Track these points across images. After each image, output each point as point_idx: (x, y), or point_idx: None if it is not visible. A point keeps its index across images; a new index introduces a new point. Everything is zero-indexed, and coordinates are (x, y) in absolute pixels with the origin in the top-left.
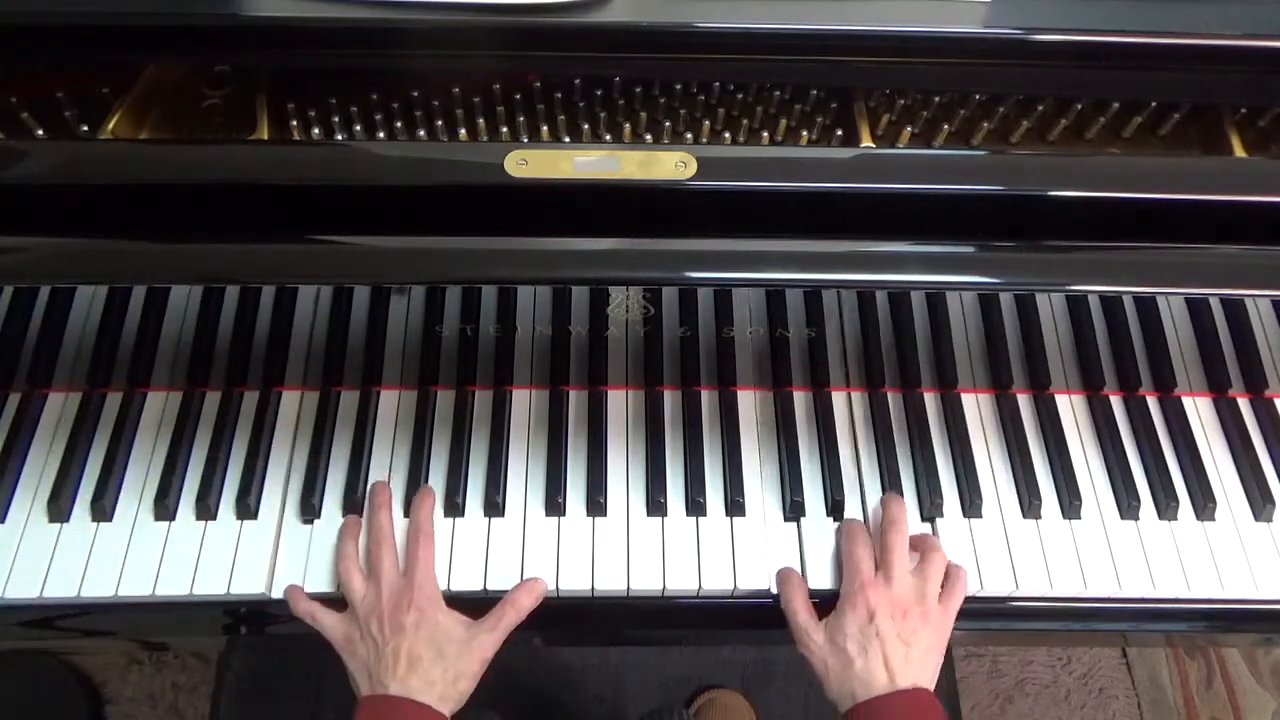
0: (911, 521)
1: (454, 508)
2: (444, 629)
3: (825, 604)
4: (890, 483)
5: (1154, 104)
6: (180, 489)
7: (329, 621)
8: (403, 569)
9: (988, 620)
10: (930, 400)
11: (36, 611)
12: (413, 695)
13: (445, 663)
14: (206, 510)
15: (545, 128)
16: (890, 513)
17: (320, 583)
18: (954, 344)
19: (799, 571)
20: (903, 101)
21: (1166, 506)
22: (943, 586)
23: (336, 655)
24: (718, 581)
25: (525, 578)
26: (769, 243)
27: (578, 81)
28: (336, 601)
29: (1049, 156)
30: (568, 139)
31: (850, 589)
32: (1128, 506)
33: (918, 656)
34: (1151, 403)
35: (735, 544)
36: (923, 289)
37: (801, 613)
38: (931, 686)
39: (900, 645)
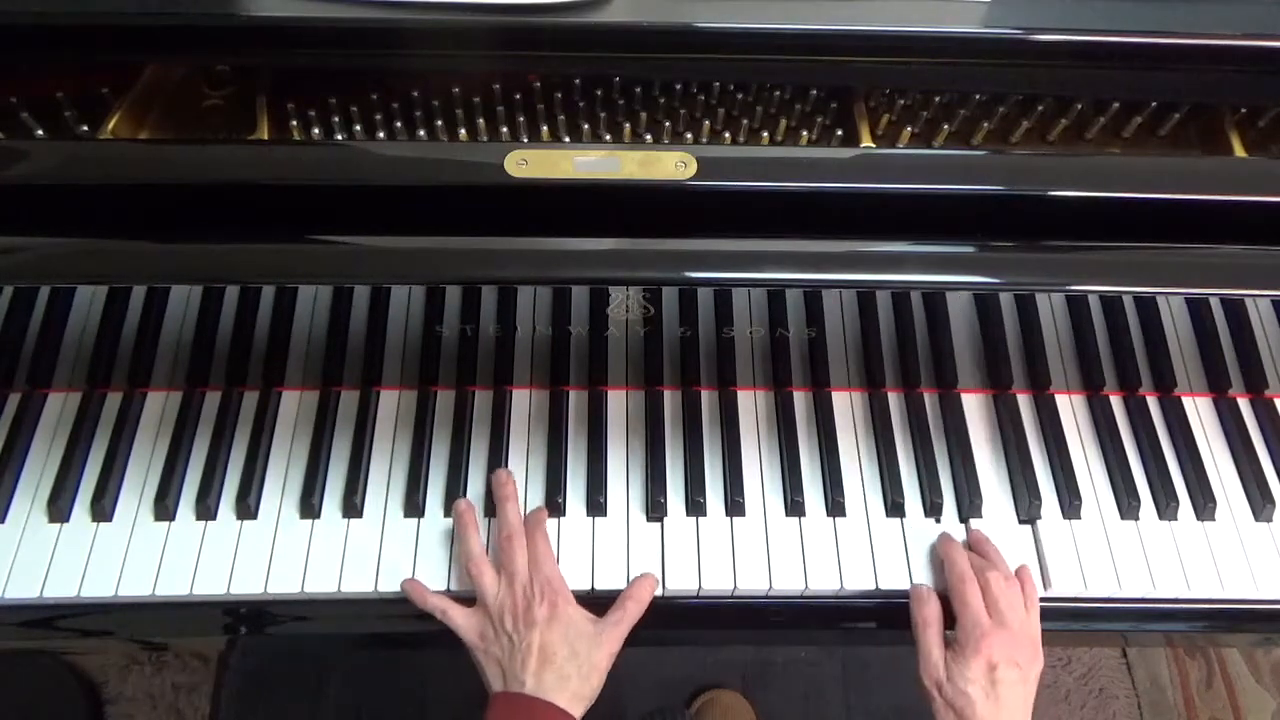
0: (912, 520)
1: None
2: (575, 624)
3: (828, 604)
4: (890, 483)
5: (1154, 104)
6: (180, 489)
7: (461, 618)
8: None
9: None
10: (930, 400)
11: (36, 611)
12: (545, 693)
13: (578, 659)
14: (206, 510)
15: (545, 128)
16: (985, 552)
17: (320, 582)
18: (954, 344)
19: (932, 600)
20: (903, 101)
21: (1166, 506)
22: None
23: (337, 653)
24: (718, 581)
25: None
26: (769, 243)
27: (578, 81)
28: (338, 603)
29: (1049, 156)
30: (568, 139)
31: (970, 637)
32: (1128, 506)
33: (1029, 695)
34: (1151, 403)
35: (735, 544)
36: (923, 289)
37: (935, 640)
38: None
39: (1020, 686)
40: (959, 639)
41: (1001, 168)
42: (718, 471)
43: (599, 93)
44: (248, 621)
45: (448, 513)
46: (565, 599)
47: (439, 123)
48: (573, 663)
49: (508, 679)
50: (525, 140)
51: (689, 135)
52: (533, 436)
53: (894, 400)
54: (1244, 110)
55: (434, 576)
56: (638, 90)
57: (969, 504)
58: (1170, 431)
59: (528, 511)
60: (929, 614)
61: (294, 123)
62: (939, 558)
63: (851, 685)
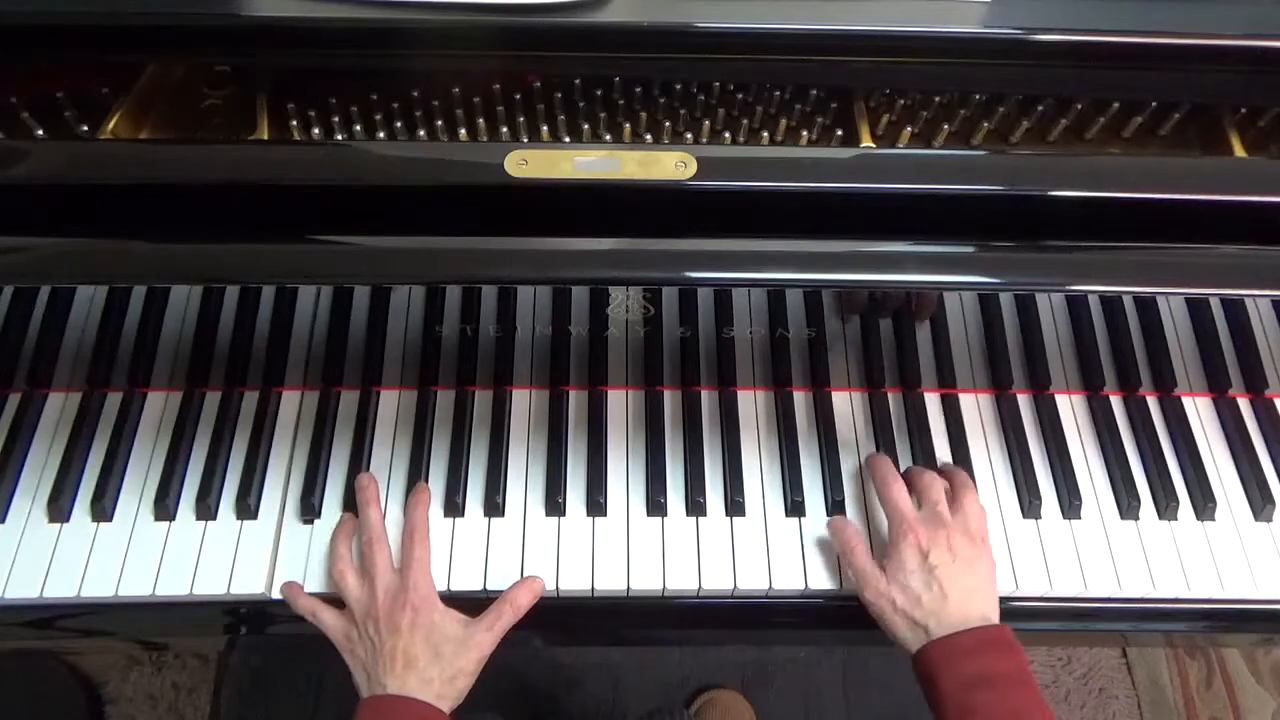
0: None
1: (454, 508)
2: (440, 628)
3: (827, 604)
4: None
5: (1154, 104)
6: (180, 489)
7: (329, 619)
8: (398, 567)
9: None
10: (930, 400)
11: (36, 611)
12: (410, 694)
13: (442, 662)
14: (206, 510)
15: (545, 128)
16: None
17: (320, 582)
18: (954, 344)
19: (847, 525)
20: (903, 101)
21: (1166, 506)
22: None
23: (337, 653)
24: (718, 581)
25: (524, 576)
26: (769, 243)
27: (578, 81)
28: (339, 601)
29: (1049, 156)
30: (568, 139)
31: (898, 532)
32: (1128, 506)
33: (980, 584)
34: (1151, 403)
35: (735, 544)
36: (923, 289)
37: (863, 556)
38: (997, 617)
39: (960, 574)
40: (890, 539)
41: (1001, 168)
42: (718, 471)
43: (599, 93)
44: (248, 621)
45: (448, 512)
46: (430, 604)
47: (439, 123)
48: (436, 666)
49: (371, 682)
50: (525, 140)
51: (689, 135)
52: (533, 436)
53: (894, 400)
54: (1244, 110)
55: (436, 576)
56: (638, 90)
57: None
58: (1170, 431)
59: (529, 514)
60: (850, 536)
61: (294, 123)
62: None
63: (851, 685)
